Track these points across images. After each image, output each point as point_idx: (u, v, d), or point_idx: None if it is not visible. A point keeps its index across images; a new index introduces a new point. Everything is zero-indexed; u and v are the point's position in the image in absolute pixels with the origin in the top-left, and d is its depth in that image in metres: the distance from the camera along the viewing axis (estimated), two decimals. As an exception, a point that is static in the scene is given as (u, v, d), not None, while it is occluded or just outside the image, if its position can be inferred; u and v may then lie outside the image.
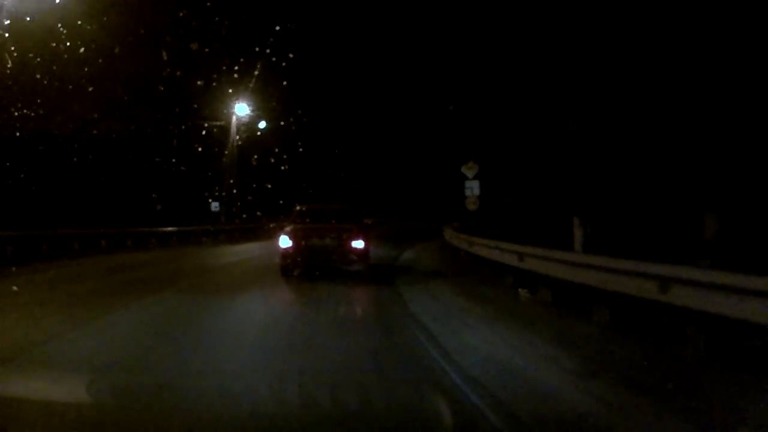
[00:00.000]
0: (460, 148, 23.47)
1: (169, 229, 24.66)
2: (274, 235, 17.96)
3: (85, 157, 22.32)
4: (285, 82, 29.52)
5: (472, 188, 19.19)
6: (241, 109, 32.18)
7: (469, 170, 19.27)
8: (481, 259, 12.16)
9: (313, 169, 40.56)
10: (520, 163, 20.53)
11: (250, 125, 31.45)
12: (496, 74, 20.71)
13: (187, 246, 22.96)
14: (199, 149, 28.97)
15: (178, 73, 21.61)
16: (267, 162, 29.26)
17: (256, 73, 26.62)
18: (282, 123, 31.38)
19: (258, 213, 30.91)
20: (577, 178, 12.95)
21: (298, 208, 12.78)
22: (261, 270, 13.00)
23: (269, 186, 29.02)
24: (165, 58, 20.30)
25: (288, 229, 11.65)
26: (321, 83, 48.91)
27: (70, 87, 18.75)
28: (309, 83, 42.59)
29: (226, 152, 31.58)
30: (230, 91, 28.80)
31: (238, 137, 31.30)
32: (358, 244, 11.15)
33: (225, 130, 31.38)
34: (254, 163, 29.98)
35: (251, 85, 27.36)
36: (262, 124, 31.95)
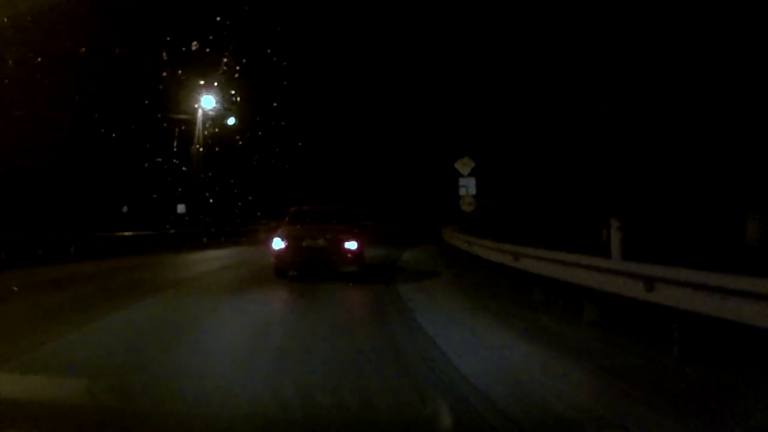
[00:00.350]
0: (456, 145, 22.22)
1: (127, 233, 22.17)
2: (259, 239, 15.91)
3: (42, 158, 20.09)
4: (285, 83, 28.77)
5: (468, 187, 17.82)
6: (208, 102, 30.39)
7: (463, 166, 17.91)
8: (534, 278, 8.42)
9: (315, 170, 41.55)
10: (528, 157, 19.25)
11: (238, 123, 30.06)
12: (506, 55, 19.32)
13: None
14: (199, 148, 27.80)
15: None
16: (268, 162, 28.80)
17: (225, 61, 25.14)
18: (283, 123, 31.14)
19: (258, 213, 30.67)
20: (614, 170, 11.51)
21: (292, 209, 12.72)
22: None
23: (270, 186, 28.51)
24: (164, 58, 19.00)
25: (281, 230, 11.64)
26: (319, 85, 48.19)
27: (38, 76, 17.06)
28: (307, 85, 41.87)
29: (192, 147, 29.85)
30: (232, 89, 27.65)
31: (238, 138, 29.85)
32: (352, 245, 11.09)
33: (192, 123, 29.70)
34: (254, 163, 29.16)
35: (220, 73, 25.75)
36: (231, 120, 30.45)
